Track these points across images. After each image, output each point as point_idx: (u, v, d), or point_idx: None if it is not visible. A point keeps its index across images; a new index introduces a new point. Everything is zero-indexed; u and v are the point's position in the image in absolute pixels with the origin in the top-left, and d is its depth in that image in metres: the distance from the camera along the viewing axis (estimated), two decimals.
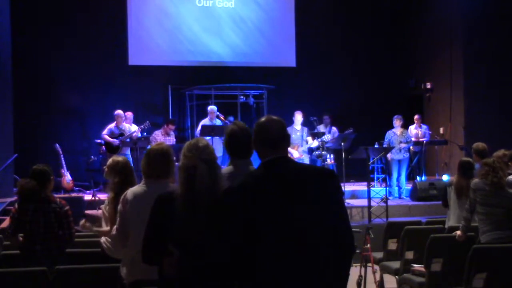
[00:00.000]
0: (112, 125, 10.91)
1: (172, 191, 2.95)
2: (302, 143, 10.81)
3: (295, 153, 10.51)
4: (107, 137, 10.80)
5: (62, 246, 4.94)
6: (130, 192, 3.67)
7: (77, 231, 5.25)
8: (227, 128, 3.54)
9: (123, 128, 10.85)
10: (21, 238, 4.96)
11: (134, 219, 3.53)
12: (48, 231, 4.85)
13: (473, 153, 6.90)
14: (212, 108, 11.31)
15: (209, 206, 2.79)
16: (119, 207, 3.68)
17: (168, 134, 11.30)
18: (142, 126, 10.95)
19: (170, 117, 13.21)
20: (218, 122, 11.21)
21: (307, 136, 10.94)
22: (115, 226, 3.74)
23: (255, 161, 3.08)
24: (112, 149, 10.62)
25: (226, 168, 3.39)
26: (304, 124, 11.09)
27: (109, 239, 4.52)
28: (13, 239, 4.99)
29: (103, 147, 11.47)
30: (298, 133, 10.71)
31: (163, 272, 2.89)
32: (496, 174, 5.35)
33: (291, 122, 10.81)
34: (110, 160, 4.58)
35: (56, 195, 5.34)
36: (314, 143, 10.81)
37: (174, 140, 11.35)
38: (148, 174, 3.65)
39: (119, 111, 11.00)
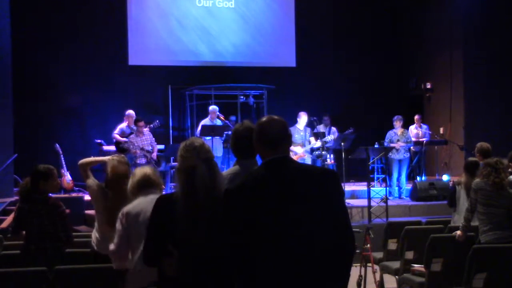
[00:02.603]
0: (123, 125, 10.77)
1: (172, 192, 2.95)
2: (305, 143, 10.80)
3: (299, 149, 10.50)
4: (118, 137, 10.62)
5: (59, 247, 4.94)
6: (127, 209, 3.74)
7: (75, 231, 5.26)
8: (233, 128, 3.53)
9: (134, 128, 10.70)
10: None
11: (135, 233, 3.62)
12: (42, 231, 4.85)
13: (477, 153, 6.88)
14: (213, 108, 11.27)
15: (210, 206, 2.79)
16: (117, 224, 3.74)
17: (142, 134, 10.29)
18: (152, 125, 10.80)
19: (170, 118, 13.22)
20: (218, 122, 11.19)
21: (309, 136, 10.93)
22: (113, 242, 3.81)
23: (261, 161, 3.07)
24: (122, 150, 10.31)
25: (231, 168, 3.38)
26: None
27: (98, 237, 4.63)
28: (15, 237, 5.01)
29: (103, 147, 11.45)
30: (301, 133, 10.70)
31: (163, 273, 2.89)
32: (498, 175, 5.35)
33: (291, 122, 10.79)
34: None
35: (56, 195, 5.35)
36: (317, 144, 10.81)
37: (152, 139, 10.43)
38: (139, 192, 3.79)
39: (130, 111, 10.84)
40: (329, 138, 10.78)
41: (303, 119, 10.76)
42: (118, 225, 3.74)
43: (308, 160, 10.61)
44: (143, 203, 3.69)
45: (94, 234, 4.77)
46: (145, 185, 3.82)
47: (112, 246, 3.82)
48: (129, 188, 3.89)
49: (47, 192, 5.06)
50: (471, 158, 6.63)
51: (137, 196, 3.80)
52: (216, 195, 2.78)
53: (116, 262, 4.01)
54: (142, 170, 3.94)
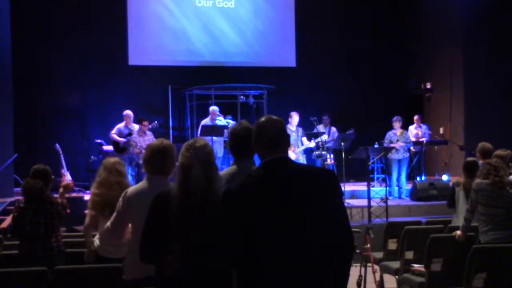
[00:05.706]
0: (121, 125, 10.79)
1: (170, 189, 2.95)
2: (298, 144, 10.80)
3: (292, 154, 10.50)
4: (115, 137, 10.65)
5: (62, 246, 4.94)
6: (132, 190, 3.64)
7: (75, 231, 5.27)
8: (230, 127, 3.51)
9: (132, 128, 10.71)
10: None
11: (136, 217, 3.48)
12: (49, 231, 4.85)
13: (477, 152, 6.85)
14: (213, 109, 11.29)
15: (205, 208, 2.78)
16: (119, 204, 3.65)
17: (144, 133, 10.48)
18: (150, 126, 10.80)
19: (170, 118, 13.22)
20: (223, 122, 11.19)
21: (302, 136, 10.93)
22: (109, 221, 3.75)
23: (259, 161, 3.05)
24: (119, 149, 10.45)
25: (229, 168, 3.38)
26: (303, 124, 11.07)
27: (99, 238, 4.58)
28: (16, 238, 5.01)
29: (103, 147, 11.44)
30: (293, 134, 10.69)
31: (163, 271, 2.88)
32: (497, 173, 5.33)
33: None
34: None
35: (56, 195, 5.35)
36: (311, 144, 10.80)
37: (153, 139, 10.29)
38: (149, 170, 3.64)
39: (128, 111, 10.86)
40: (323, 138, 10.75)
41: (294, 119, 10.78)
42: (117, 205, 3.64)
43: (302, 161, 10.60)
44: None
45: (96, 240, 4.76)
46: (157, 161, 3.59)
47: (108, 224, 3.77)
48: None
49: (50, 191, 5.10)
50: (469, 158, 6.59)
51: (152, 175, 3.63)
52: (212, 198, 2.77)
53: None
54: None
